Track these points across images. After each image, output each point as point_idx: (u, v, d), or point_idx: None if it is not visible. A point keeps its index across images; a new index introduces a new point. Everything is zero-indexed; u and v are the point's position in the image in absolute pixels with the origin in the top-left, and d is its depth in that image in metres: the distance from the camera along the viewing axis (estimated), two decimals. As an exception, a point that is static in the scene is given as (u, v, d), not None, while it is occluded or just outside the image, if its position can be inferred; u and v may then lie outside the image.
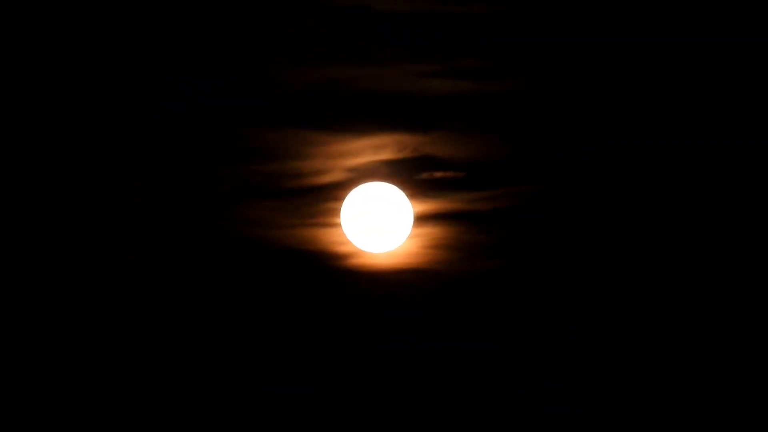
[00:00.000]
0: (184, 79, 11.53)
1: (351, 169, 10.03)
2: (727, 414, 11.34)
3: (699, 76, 11.34)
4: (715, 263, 11.69)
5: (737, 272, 11.38)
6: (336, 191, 9.98)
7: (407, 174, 10.05)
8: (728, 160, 11.46)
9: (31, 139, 11.90)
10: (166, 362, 11.41)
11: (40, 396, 11.45)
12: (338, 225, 10.03)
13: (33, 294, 11.76)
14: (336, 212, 9.98)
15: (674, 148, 11.57)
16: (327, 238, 10.02)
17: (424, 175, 10.07)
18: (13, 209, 11.91)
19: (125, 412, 11.35)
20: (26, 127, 11.91)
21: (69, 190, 11.79)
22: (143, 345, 11.52)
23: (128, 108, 11.75)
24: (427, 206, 9.98)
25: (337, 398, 10.97)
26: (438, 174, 10.04)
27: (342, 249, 9.98)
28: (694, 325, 11.18)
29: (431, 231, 10.00)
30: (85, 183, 11.85)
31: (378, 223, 10.06)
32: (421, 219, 10.00)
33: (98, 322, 11.75)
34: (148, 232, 11.66)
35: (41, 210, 11.80)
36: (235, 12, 11.13)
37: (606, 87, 10.99)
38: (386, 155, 10.03)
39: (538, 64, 10.62)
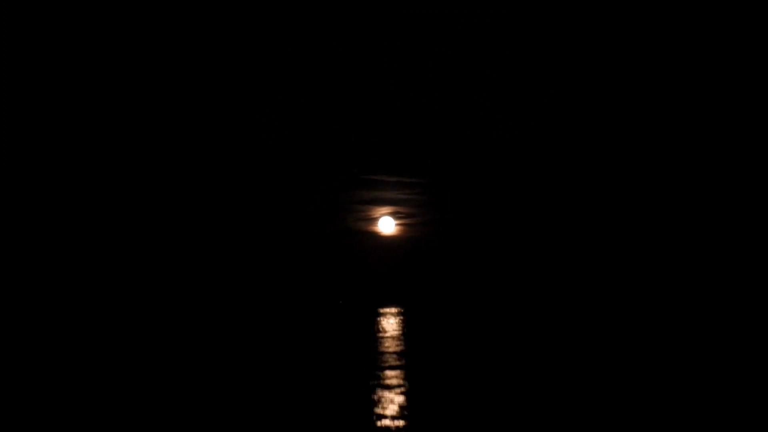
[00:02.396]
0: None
1: (381, 214, 24.75)
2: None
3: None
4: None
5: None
6: (378, 217, 24.92)
7: (393, 215, 24.85)
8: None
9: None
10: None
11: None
12: (377, 225, 25.05)
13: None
14: (377, 222, 25.17)
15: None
16: (373, 228, 25.05)
17: (397, 215, 24.99)
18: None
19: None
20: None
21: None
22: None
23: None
24: (397, 221, 25.03)
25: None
26: (400, 214, 24.93)
27: (377, 230, 24.91)
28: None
29: (399, 228, 24.85)
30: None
31: (386, 224, 25.10)
32: (396, 225, 25.08)
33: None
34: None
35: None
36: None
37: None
38: (387, 212, 24.94)
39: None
